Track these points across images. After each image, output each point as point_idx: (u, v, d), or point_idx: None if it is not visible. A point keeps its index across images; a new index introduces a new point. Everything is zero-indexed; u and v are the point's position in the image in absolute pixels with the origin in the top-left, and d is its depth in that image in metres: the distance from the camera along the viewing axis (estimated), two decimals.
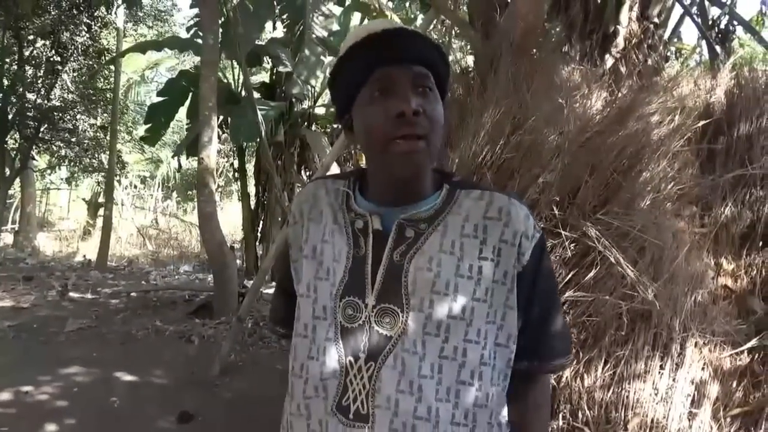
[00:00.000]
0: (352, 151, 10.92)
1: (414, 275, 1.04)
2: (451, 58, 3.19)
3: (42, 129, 12.03)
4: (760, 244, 2.54)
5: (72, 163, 13.93)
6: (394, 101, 1.01)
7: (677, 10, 4.17)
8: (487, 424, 1.05)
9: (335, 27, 9.26)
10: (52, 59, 11.53)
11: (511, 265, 1.05)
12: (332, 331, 1.07)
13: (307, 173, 10.03)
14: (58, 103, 12.05)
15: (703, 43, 4.54)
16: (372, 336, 1.04)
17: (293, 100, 9.49)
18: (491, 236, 1.05)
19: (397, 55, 1.03)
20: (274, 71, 10.29)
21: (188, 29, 9.34)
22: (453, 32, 3.41)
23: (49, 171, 16.21)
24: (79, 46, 11.67)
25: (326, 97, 11.29)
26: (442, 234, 1.05)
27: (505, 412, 1.10)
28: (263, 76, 12.20)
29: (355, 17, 10.39)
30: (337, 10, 9.87)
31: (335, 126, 10.60)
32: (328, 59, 8.75)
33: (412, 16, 9.90)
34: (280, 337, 1.34)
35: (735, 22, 4.37)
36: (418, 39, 1.05)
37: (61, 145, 12.85)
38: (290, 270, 1.18)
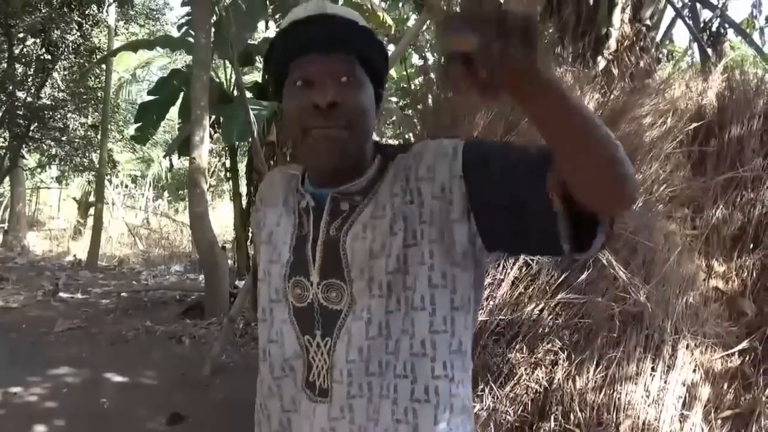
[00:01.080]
0: None
1: (351, 246, 1.03)
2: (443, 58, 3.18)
3: (32, 127, 11.93)
4: (751, 246, 2.55)
5: (62, 162, 13.83)
6: (312, 92, 0.99)
7: (669, 13, 4.19)
8: (428, 375, 1.01)
9: None
10: (42, 57, 11.45)
11: (437, 197, 1.00)
12: (286, 312, 1.09)
13: None
14: (48, 102, 11.95)
15: (695, 45, 4.56)
16: (323, 312, 1.05)
17: None
18: (410, 181, 1.03)
19: (317, 43, 1.00)
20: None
21: (180, 28, 9.31)
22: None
23: (39, 170, 16.08)
24: (70, 45, 11.58)
25: None
26: (375, 202, 1.04)
27: (457, 362, 1.04)
28: (256, 76, 12.17)
29: None
30: None
31: None
32: None
33: (405, 16, 9.90)
34: None
35: (726, 25, 4.39)
36: (344, 24, 1.02)
37: (52, 143, 12.75)
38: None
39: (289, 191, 1.15)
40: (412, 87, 8.00)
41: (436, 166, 1.01)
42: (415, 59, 10.68)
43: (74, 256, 11.75)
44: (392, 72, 9.70)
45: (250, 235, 10.12)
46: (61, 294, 7.80)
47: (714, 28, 4.37)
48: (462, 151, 1.00)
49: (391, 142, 11.45)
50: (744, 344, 2.26)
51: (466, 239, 1.00)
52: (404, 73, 9.41)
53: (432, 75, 3.39)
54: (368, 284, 1.02)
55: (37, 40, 11.36)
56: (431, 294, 1.01)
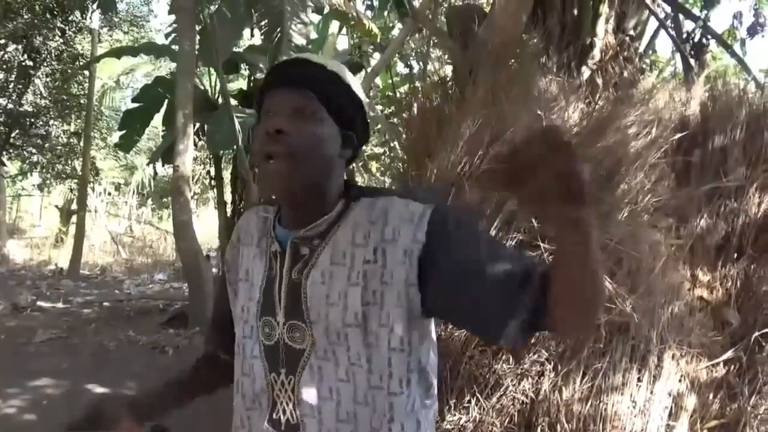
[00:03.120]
0: None
1: (311, 290, 1.08)
2: (429, 68, 3.19)
3: (13, 134, 11.80)
4: (735, 255, 2.56)
5: (44, 170, 13.68)
6: (267, 122, 1.06)
7: (652, 24, 4.22)
8: (401, 420, 1.06)
9: (313, 35, 9.24)
10: (24, 64, 11.32)
11: (398, 261, 1.02)
12: (257, 349, 1.14)
13: None
14: (30, 109, 11.83)
15: (678, 56, 4.61)
16: (287, 351, 1.10)
17: None
18: (373, 239, 1.05)
19: (284, 79, 1.09)
20: (252, 78, 10.23)
21: (166, 36, 9.25)
22: (431, 42, 3.41)
23: (20, 177, 15.90)
24: (53, 51, 11.48)
25: None
26: (333, 247, 1.08)
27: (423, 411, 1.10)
28: (240, 83, 12.12)
29: (334, 25, 10.39)
30: (316, 18, 9.84)
31: None
32: None
33: (391, 24, 9.92)
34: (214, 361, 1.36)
35: (708, 36, 4.43)
36: (311, 66, 1.09)
37: (33, 151, 12.62)
38: (227, 292, 1.25)
39: (263, 233, 1.19)
40: (398, 95, 8.01)
41: (401, 230, 1.04)
42: (401, 68, 10.71)
43: (56, 264, 11.60)
44: (378, 80, 9.71)
45: None
46: (42, 303, 7.68)
47: (696, 39, 4.41)
48: (428, 221, 1.03)
49: (377, 150, 11.46)
50: (729, 354, 2.27)
51: (419, 302, 1.04)
52: (390, 81, 9.42)
53: (417, 83, 3.39)
54: (325, 331, 1.06)
55: (19, 47, 11.24)
56: (389, 357, 1.05)
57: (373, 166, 11.39)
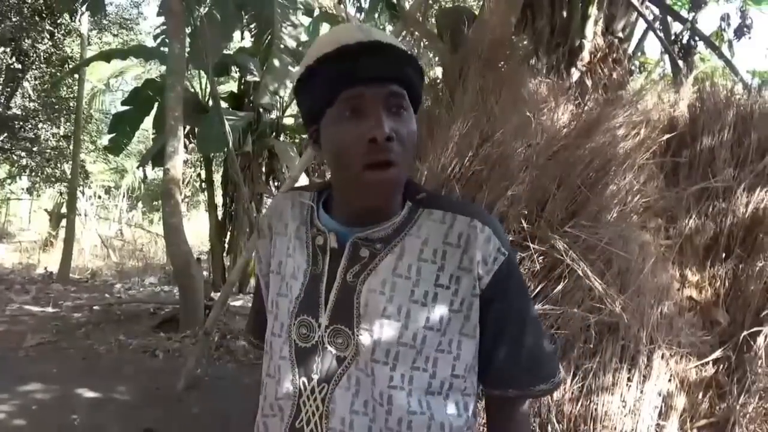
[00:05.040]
0: (322, 163, 10.89)
1: (366, 297, 1.00)
2: None
3: (2, 138, 11.72)
4: (724, 255, 2.58)
5: (33, 173, 13.59)
6: (365, 124, 0.94)
7: (641, 25, 4.25)
8: None
9: (304, 37, 9.23)
10: (12, 67, 11.26)
11: (470, 292, 1.00)
12: (286, 349, 1.05)
13: (275, 184, 9.95)
14: (19, 112, 11.76)
15: (666, 57, 4.64)
16: (325, 357, 1.01)
17: (261, 110, 9.42)
18: (449, 263, 1.00)
19: (371, 74, 0.95)
20: (242, 81, 10.21)
21: (155, 38, 9.22)
22: (421, 44, 3.42)
23: (9, 181, 15.79)
24: (42, 54, 11.42)
25: (295, 107, 11.24)
26: (398, 256, 1.01)
27: None
28: (231, 86, 12.10)
29: (324, 28, 10.38)
30: (306, 20, 9.85)
31: (304, 136, 10.55)
32: (297, 69, 8.70)
33: (381, 27, 9.93)
34: (253, 347, 1.30)
35: (696, 38, 4.46)
36: (394, 53, 0.97)
37: (22, 154, 12.53)
38: (261, 285, 1.18)
39: (301, 222, 1.10)
40: None
41: (477, 262, 1.00)
42: None
43: (45, 268, 11.52)
44: None
45: (225, 246, 10.06)
46: (31, 308, 7.63)
47: (685, 41, 4.44)
48: (497, 269, 1.01)
49: None
50: (718, 353, 2.28)
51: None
52: None
53: None
54: (375, 344, 0.99)
55: (8, 49, 11.17)
56: (450, 382, 1.01)
57: None
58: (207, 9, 7.81)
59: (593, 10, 3.53)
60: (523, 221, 2.24)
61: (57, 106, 12.43)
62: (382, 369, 0.98)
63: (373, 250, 1.01)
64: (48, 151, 12.74)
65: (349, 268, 1.02)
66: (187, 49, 6.99)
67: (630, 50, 3.95)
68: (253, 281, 9.59)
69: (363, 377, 0.99)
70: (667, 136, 2.80)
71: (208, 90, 9.00)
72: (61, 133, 13.06)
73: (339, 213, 1.06)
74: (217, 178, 10.88)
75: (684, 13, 5.05)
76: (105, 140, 11.74)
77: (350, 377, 0.99)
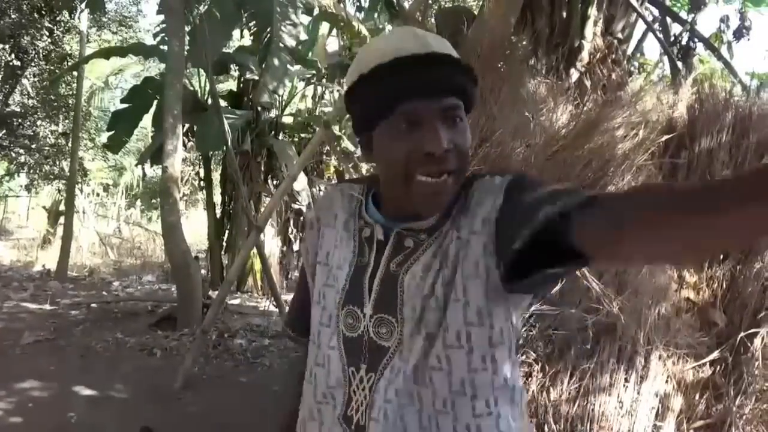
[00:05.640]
0: (321, 161, 10.89)
1: (408, 284, 1.01)
2: None
3: (0, 135, 11.69)
4: (721, 257, 2.58)
5: (32, 170, 13.56)
6: (423, 137, 0.95)
7: (640, 26, 4.25)
8: (469, 414, 0.99)
9: (303, 36, 9.24)
10: (11, 64, 11.23)
11: (476, 231, 0.99)
12: (335, 339, 1.07)
13: (274, 183, 9.94)
14: (17, 109, 11.73)
15: (665, 58, 4.64)
16: (371, 346, 1.03)
17: (260, 108, 9.41)
18: (464, 229, 1.00)
19: (428, 88, 0.96)
20: (242, 79, 10.21)
21: (155, 36, 9.22)
22: None
23: (7, 178, 15.77)
24: (41, 51, 11.39)
25: (294, 106, 11.24)
26: (439, 244, 1.02)
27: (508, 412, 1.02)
28: (230, 84, 12.09)
29: (324, 27, 10.38)
30: (305, 19, 9.84)
31: (303, 135, 10.55)
32: (296, 68, 8.71)
33: (381, 26, 9.93)
34: (291, 340, 1.34)
35: (695, 39, 4.47)
36: (450, 65, 0.98)
37: (21, 151, 12.50)
38: (306, 277, 1.20)
39: (350, 214, 1.12)
40: None
41: (485, 210, 0.99)
42: None
43: (43, 266, 11.49)
44: None
45: (224, 245, 10.05)
46: (29, 305, 7.62)
47: (684, 42, 4.44)
48: (506, 187, 0.98)
49: None
50: (715, 354, 2.29)
51: (497, 274, 0.98)
52: None
53: None
54: (417, 325, 1.00)
55: (6, 46, 11.14)
56: (467, 332, 0.99)
57: (364, 167, 11.37)
58: (206, 7, 7.81)
59: (593, 11, 3.53)
60: None
61: (56, 104, 12.39)
62: (421, 344, 0.99)
63: (417, 239, 1.03)
64: (46, 148, 12.72)
65: (393, 258, 1.04)
66: (187, 47, 6.98)
67: (629, 51, 3.95)
68: (250, 280, 9.59)
69: (405, 367, 0.99)
70: (665, 137, 2.81)
71: (207, 88, 9.00)
72: (60, 131, 13.03)
73: (387, 208, 1.08)
74: (216, 176, 10.86)
75: (683, 14, 5.06)
76: (104, 138, 11.72)
77: (393, 368, 1.00)
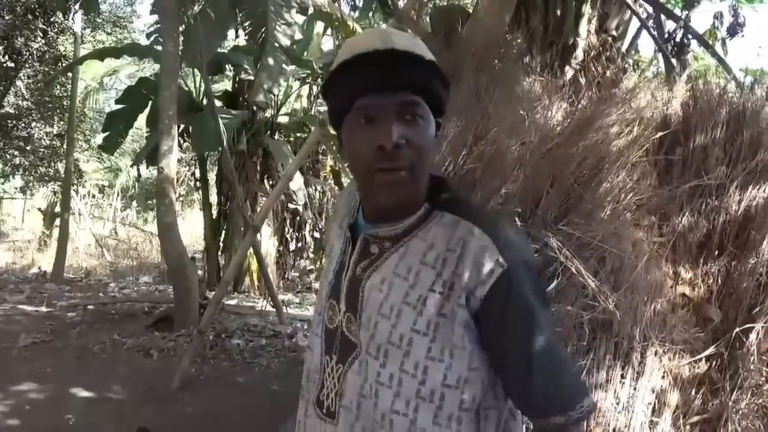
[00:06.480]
0: (317, 161, 10.88)
1: (368, 293, 1.05)
2: None
3: None
4: (716, 252, 2.59)
5: (27, 172, 13.52)
6: (376, 132, 0.98)
7: (634, 24, 4.26)
8: None
9: (298, 35, 9.21)
10: (5, 65, 11.19)
11: (457, 302, 0.99)
12: (320, 327, 1.15)
13: (270, 182, 9.94)
14: (11, 111, 11.69)
15: (660, 55, 4.64)
16: (342, 339, 1.09)
17: (256, 108, 9.41)
18: (447, 269, 1.00)
19: (383, 83, 0.98)
20: (237, 79, 10.19)
21: (149, 37, 9.20)
22: None
23: (2, 180, 15.71)
24: (35, 52, 11.34)
25: (289, 105, 11.23)
26: (401, 256, 1.04)
27: None
28: (225, 85, 12.08)
29: (319, 26, 10.37)
30: (300, 19, 9.82)
31: (298, 135, 10.54)
32: (291, 68, 8.69)
33: (375, 25, 9.92)
34: None
35: (689, 36, 4.47)
36: (409, 61, 0.99)
37: (16, 153, 12.46)
38: None
39: (347, 213, 1.18)
40: None
41: (470, 273, 0.98)
42: None
43: (39, 268, 11.47)
44: None
45: (220, 245, 10.03)
46: (25, 307, 7.60)
47: (678, 39, 4.44)
48: (493, 282, 0.98)
49: None
50: (711, 350, 2.29)
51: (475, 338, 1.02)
52: None
53: None
54: (371, 339, 1.04)
55: (0, 48, 11.10)
56: (441, 392, 1.00)
57: None
58: (201, 7, 7.79)
59: (587, 9, 3.54)
60: (516, 219, 2.24)
61: (50, 105, 12.35)
62: (373, 363, 1.03)
63: (382, 247, 1.07)
64: (41, 150, 12.68)
65: (359, 262, 1.09)
66: (181, 48, 6.97)
67: (623, 48, 3.96)
68: (247, 280, 9.58)
69: (371, 363, 1.03)
70: (660, 133, 2.81)
71: (203, 88, 8.99)
72: (55, 132, 12.99)
73: (366, 210, 1.13)
74: (212, 176, 10.87)
75: (677, 11, 5.06)
76: (99, 139, 11.68)
77: (361, 363, 1.05)
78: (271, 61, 7.98)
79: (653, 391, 2.12)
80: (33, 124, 12.20)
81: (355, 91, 1.00)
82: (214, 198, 10.64)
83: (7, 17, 10.61)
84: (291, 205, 9.97)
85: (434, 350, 0.99)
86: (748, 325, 2.28)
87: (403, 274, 1.03)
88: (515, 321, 0.98)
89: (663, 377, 2.16)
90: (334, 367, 1.09)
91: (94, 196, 21.30)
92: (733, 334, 2.28)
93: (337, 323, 1.10)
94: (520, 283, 0.98)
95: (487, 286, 0.97)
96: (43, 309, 7.59)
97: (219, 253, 9.98)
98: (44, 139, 12.71)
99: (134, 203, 22.42)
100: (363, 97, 0.99)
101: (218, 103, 9.19)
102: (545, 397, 1.00)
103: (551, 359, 1.01)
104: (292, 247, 10.33)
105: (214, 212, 10.24)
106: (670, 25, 4.71)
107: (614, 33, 3.70)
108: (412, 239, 1.04)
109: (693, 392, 2.19)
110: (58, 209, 14.58)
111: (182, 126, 8.95)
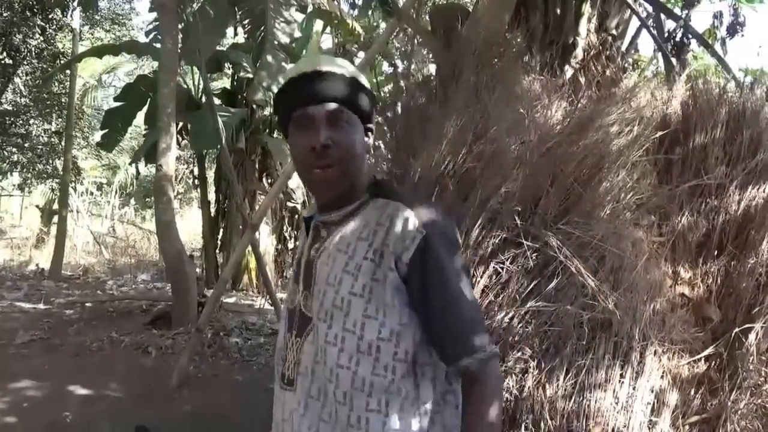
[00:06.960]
0: None
1: (319, 269, 1.26)
2: (413, 67, 3.20)
3: None
4: (716, 252, 2.59)
5: (25, 169, 13.50)
6: (308, 137, 1.21)
7: (634, 23, 4.25)
8: (355, 416, 1.17)
9: (297, 33, 9.21)
10: (3, 62, 11.16)
11: (387, 266, 1.18)
12: (286, 311, 1.35)
13: (269, 181, 9.93)
14: (10, 108, 11.67)
15: (659, 55, 4.64)
16: (300, 316, 1.28)
17: (254, 106, 9.39)
18: (377, 240, 1.20)
19: (312, 97, 1.22)
20: (236, 77, 10.19)
21: (147, 34, 9.19)
22: (415, 41, 3.41)
23: (0, 177, 15.69)
24: (33, 49, 11.32)
25: None
26: (342, 235, 1.25)
27: (391, 410, 1.18)
28: (224, 82, 12.07)
29: (318, 24, 10.36)
30: (299, 17, 9.81)
31: None
32: (290, 66, 8.68)
33: (375, 24, 9.91)
34: None
35: (689, 36, 4.47)
36: (332, 79, 1.23)
37: (14, 150, 12.44)
38: None
39: (313, 209, 1.38)
40: (382, 94, 8.00)
41: (397, 241, 1.18)
42: (385, 66, 10.70)
43: (37, 265, 11.46)
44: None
45: (218, 243, 10.03)
46: (23, 304, 7.59)
47: (678, 38, 4.44)
48: (415, 248, 1.17)
49: None
50: (710, 350, 2.29)
51: (403, 299, 1.21)
52: (374, 80, 9.41)
53: (401, 82, 3.39)
54: (321, 306, 1.23)
55: None
56: (377, 345, 1.18)
57: None
58: (200, 5, 7.77)
59: (587, 8, 3.53)
60: (516, 218, 2.24)
61: (48, 102, 12.34)
62: (322, 327, 1.21)
63: (329, 231, 1.29)
64: (39, 147, 12.66)
65: (313, 245, 1.31)
66: (180, 45, 6.96)
67: (623, 48, 3.95)
68: (245, 278, 9.58)
69: (316, 332, 1.23)
70: (660, 133, 2.80)
71: (201, 86, 8.98)
72: (53, 129, 12.97)
73: (316, 202, 1.34)
74: (210, 174, 10.86)
75: (677, 10, 5.06)
76: (97, 136, 11.67)
77: (315, 334, 1.23)
78: (270, 59, 7.98)
79: (652, 391, 2.12)
80: (31, 122, 12.18)
81: (292, 105, 1.25)
82: (212, 196, 10.63)
83: (5, 14, 10.59)
84: (289, 204, 9.97)
85: (369, 309, 1.18)
86: (747, 325, 2.28)
87: (343, 248, 1.23)
88: (433, 279, 1.18)
89: (662, 377, 2.16)
90: (293, 342, 1.28)
91: (92, 194, 21.30)
92: (733, 334, 2.28)
93: (297, 303, 1.30)
94: (437, 248, 1.19)
95: (411, 251, 1.17)
96: (41, 306, 7.59)
97: (217, 251, 9.97)
98: (42, 137, 12.70)
99: (132, 201, 22.41)
100: (298, 110, 1.23)
101: (217, 101, 9.19)
102: (454, 341, 1.19)
103: (462, 312, 1.20)
104: (290, 245, 10.32)
105: (213, 210, 10.23)
106: (669, 24, 4.71)
107: (614, 32, 3.70)
108: (352, 220, 1.26)
109: (692, 392, 2.19)
110: (56, 206, 14.57)
111: (181, 124, 8.94)
